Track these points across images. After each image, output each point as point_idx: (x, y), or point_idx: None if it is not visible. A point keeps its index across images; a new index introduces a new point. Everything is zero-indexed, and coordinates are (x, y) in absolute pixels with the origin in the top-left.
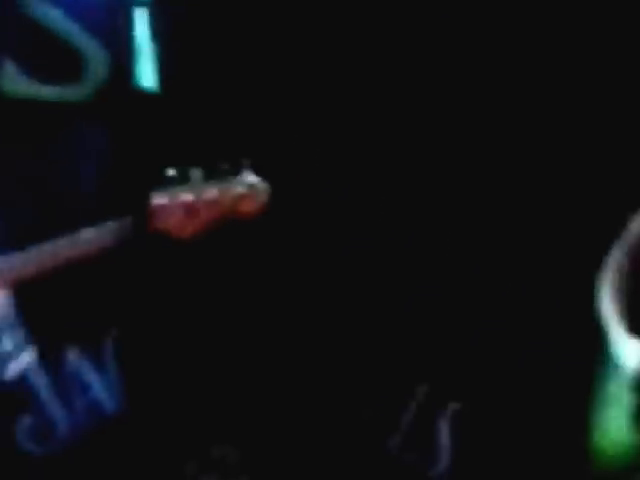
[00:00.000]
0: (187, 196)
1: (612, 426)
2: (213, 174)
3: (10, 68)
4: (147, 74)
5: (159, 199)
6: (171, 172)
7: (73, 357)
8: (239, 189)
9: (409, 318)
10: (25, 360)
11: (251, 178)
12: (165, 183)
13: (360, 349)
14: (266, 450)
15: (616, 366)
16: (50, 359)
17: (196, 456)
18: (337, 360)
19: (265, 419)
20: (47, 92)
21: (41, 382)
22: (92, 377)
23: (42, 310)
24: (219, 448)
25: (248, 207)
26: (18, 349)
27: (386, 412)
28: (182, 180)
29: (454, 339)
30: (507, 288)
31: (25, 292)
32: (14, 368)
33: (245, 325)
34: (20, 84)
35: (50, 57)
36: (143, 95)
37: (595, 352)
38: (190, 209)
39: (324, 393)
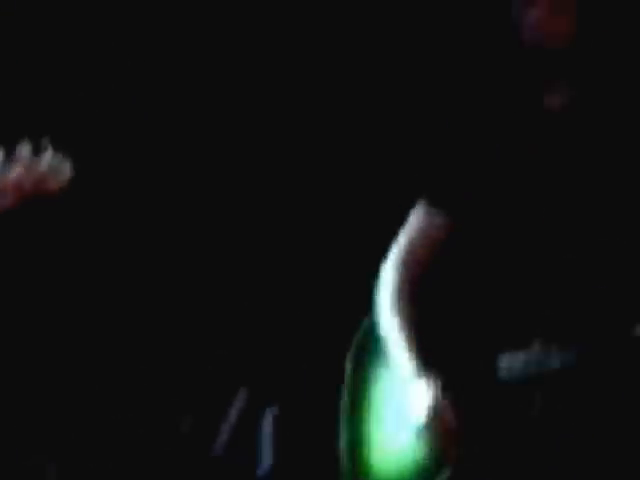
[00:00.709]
0: None
1: (391, 441)
2: (13, 154)
3: None
4: None
5: None
6: None
7: None
8: (41, 168)
9: (227, 321)
10: None
11: (53, 157)
12: None
13: (178, 353)
14: (84, 459)
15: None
16: None
17: None
18: (157, 365)
19: (80, 424)
20: None
21: None
22: None
23: None
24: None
25: (51, 186)
26: None
27: (208, 416)
28: None
29: (271, 344)
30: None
31: None
32: None
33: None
34: None
35: None
36: None
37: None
38: None
39: (145, 400)
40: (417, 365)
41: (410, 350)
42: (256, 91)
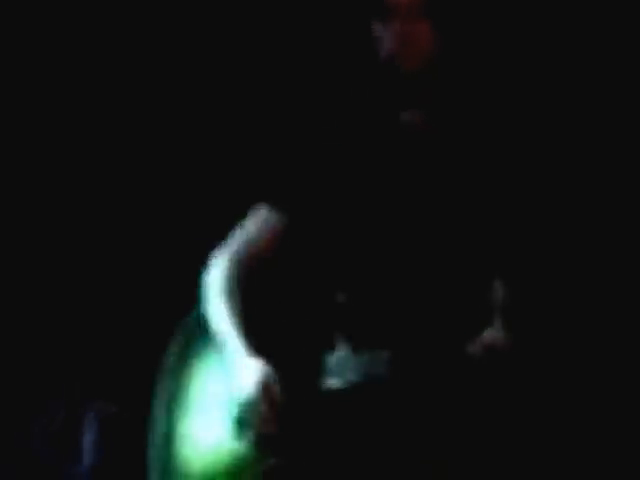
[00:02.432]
0: None
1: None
2: None
3: None
4: None
5: None
6: None
7: None
8: None
9: (50, 317)
10: None
11: None
12: None
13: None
14: None
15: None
16: None
17: None
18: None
19: None
20: None
21: None
22: None
23: None
24: None
25: None
26: None
27: (28, 413)
28: None
29: (96, 341)
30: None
31: None
32: None
33: None
34: None
35: None
36: None
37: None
38: None
39: None
40: (245, 350)
41: (238, 337)
42: None
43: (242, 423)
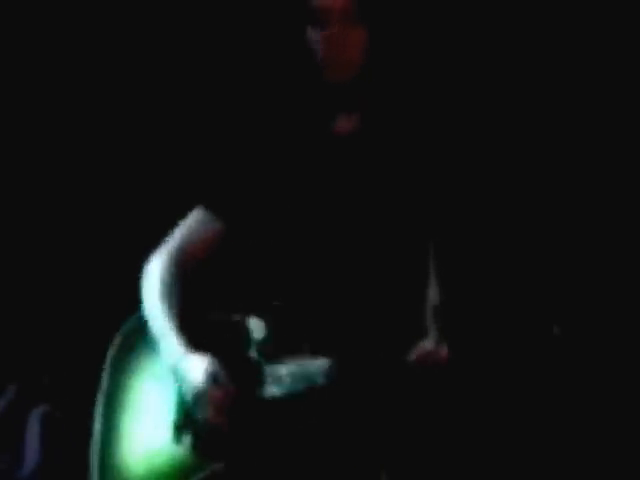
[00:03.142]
0: None
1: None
2: None
3: None
4: None
5: None
6: None
7: None
8: None
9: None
10: None
11: None
12: None
13: None
14: None
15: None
16: None
17: None
18: None
19: None
20: None
21: None
22: None
23: None
24: None
25: None
26: None
27: None
28: None
29: (40, 340)
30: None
31: None
32: None
33: None
34: None
35: None
36: None
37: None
38: None
39: None
40: (183, 347)
41: (176, 334)
42: None
43: (193, 414)
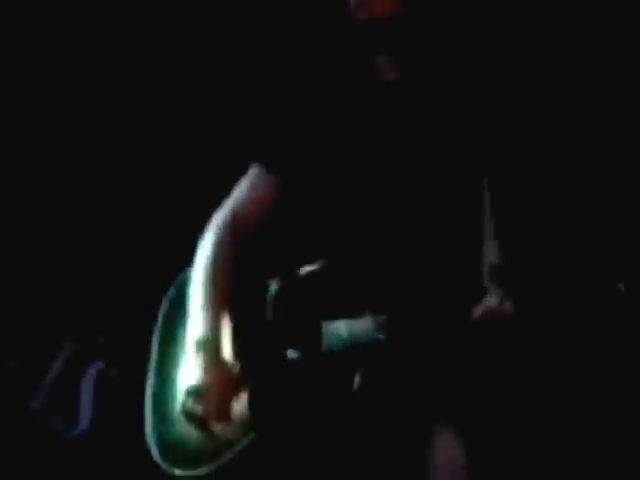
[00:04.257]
0: None
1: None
2: None
3: None
4: None
5: None
6: None
7: None
8: None
9: (52, 274)
10: None
11: None
12: None
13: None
14: None
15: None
16: None
17: None
18: None
19: None
20: None
21: None
22: None
23: None
24: None
25: None
26: None
27: (31, 368)
28: None
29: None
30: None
31: None
32: None
33: None
34: None
35: None
36: None
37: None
38: None
39: None
40: (210, 325)
41: (208, 309)
42: None
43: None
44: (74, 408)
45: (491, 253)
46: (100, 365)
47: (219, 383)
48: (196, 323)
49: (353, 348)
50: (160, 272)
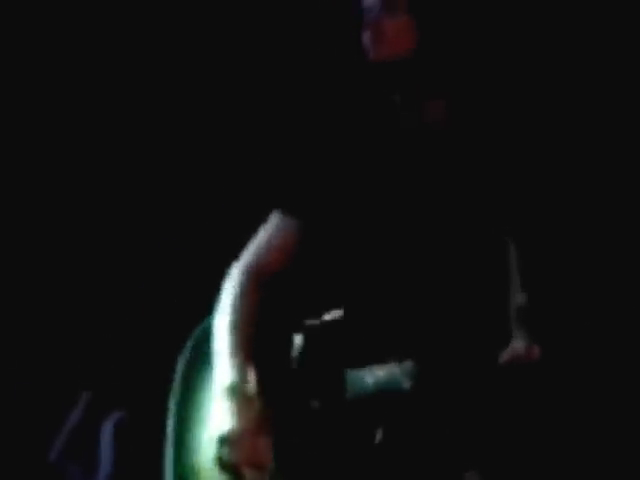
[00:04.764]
0: None
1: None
2: None
3: None
4: None
5: None
6: None
7: None
8: None
9: (70, 322)
10: None
11: None
12: None
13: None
14: None
15: None
16: None
17: None
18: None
19: None
20: None
21: None
22: None
23: None
24: None
25: None
26: None
27: (49, 419)
28: None
29: (114, 347)
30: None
31: None
32: None
33: None
34: None
35: None
36: None
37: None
38: None
39: None
40: (237, 373)
41: (235, 356)
42: None
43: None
44: (93, 458)
45: (518, 297)
46: (118, 414)
47: (251, 429)
48: (223, 369)
49: (378, 396)
50: (178, 322)
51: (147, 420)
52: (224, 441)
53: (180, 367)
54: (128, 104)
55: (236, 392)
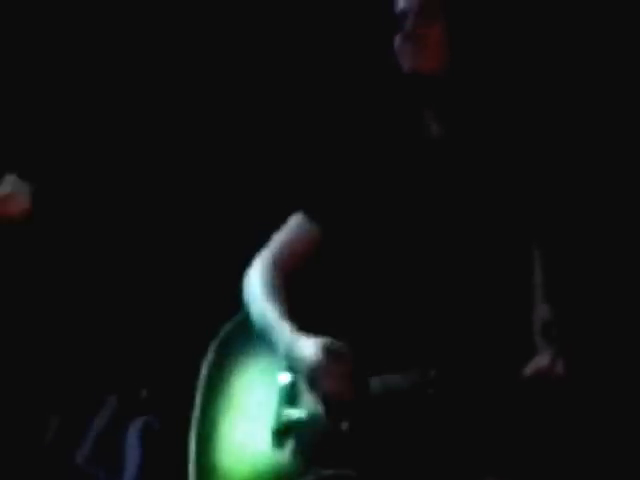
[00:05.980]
0: None
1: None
2: None
3: None
4: None
5: None
6: None
7: None
8: (3, 190)
9: (97, 327)
10: None
11: (14, 180)
12: None
13: (48, 357)
14: None
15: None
16: None
17: None
18: (26, 367)
19: None
20: None
21: None
22: None
23: None
24: None
25: (12, 209)
26: None
27: (74, 422)
28: None
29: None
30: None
31: None
32: None
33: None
34: None
35: None
36: None
37: None
38: None
39: (10, 401)
40: (299, 330)
41: (289, 322)
42: None
43: (312, 386)
44: (119, 462)
45: (542, 310)
46: (144, 419)
47: (330, 358)
48: (281, 329)
49: (400, 403)
50: (203, 324)
51: (173, 424)
52: (313, 379)
53: (204, 370)
54: (155, 111)
55: (296, 344)
